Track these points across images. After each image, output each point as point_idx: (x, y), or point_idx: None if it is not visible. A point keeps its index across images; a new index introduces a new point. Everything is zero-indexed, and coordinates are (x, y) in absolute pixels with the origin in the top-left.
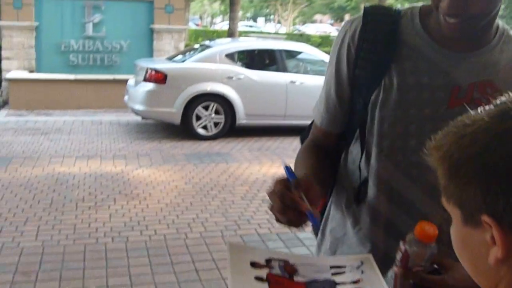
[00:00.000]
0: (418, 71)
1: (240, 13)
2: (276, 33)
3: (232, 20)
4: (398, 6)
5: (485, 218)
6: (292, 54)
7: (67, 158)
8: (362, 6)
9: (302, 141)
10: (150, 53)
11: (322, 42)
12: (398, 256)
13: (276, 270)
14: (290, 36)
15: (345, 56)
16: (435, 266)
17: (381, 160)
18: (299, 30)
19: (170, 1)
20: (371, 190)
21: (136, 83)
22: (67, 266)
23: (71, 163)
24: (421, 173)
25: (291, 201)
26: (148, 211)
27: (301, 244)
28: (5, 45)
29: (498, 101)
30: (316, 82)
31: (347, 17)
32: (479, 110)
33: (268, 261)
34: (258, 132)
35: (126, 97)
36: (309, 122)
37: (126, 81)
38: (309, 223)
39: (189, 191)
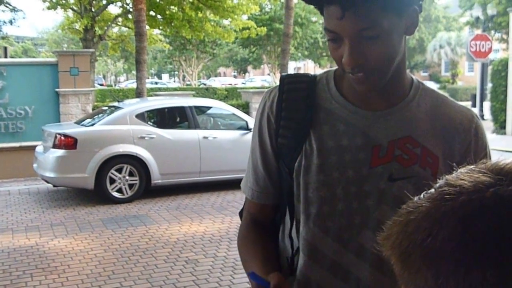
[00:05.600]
0: (337, 134)
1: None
2: (183, 88)
3: (140, 79)
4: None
5: None
6: (202, 110)
7: None
8: (264, 57)
9: (240, 216)
10: (56, 117)
11: (228, 95)
12: None
13: None
14: (197, 91)
15: (266, 126)
16: None
17: (309, 227)
18: (205, 84)
19: (75, 64)
20: (302, 259)
21: (45, 149)
22: None
23: None
24: (352, 237)
25: None
26: (69, 284)
27: None
28: None
29: (437, 185)
30: (228, 136)
31: (250, 68)
32: (422, 195)
33: None
34: (174, 191)
35: (35, 165)
36: (223, 176)
37: (33, 148)
38: None
39: (110, 259)
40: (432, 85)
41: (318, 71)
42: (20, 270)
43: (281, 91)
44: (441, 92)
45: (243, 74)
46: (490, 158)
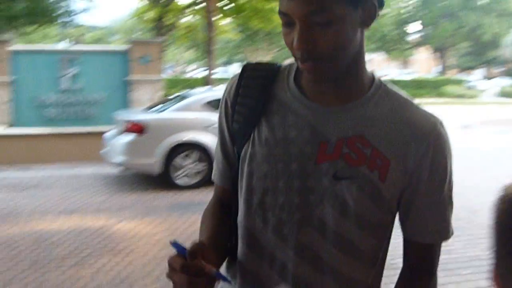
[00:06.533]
0: (286, 125)
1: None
2: None
3: (209, 68)
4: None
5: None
6: None
7: (47, 214)
8: None
9: None
10: (126, 104)
11: None
12: None
13: None
14: None
15: (224, 111)
16: None
17: (250, 216)
18: None
19: (146, 52)
20: (241, 248)
21: (115, 135)
22: None
23: (52, 220)
24: (291, 232)
25: (197, 269)
26: (134, 267)
27: None
28: None
29: None
30: None
31: None
32: None
33: None
34: None
35: (104, 150)
36: None
37: (103, 133)
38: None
39: None
40: (508, 81)
41: (388, 63)
42: (88, 250)
43: (241, 78)
44: (406, 96)
45: None
46: (450, 169)
